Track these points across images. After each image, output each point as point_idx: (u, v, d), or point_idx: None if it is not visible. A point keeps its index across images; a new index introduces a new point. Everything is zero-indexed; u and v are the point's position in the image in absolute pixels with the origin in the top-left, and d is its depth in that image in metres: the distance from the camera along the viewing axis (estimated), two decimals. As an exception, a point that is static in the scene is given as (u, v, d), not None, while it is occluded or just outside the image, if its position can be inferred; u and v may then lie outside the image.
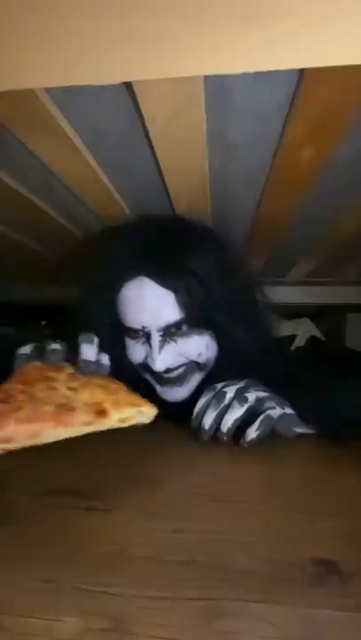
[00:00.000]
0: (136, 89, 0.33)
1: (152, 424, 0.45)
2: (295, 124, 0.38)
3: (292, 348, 0.80)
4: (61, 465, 0.49)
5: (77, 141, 0.42)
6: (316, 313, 1.31)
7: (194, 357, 0.57)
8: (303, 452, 0.51)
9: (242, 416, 0.50)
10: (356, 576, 0.30)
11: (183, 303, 0.55)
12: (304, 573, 0.30)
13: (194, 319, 0.56)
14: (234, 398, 0.51)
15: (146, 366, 0.57)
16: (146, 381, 0.60)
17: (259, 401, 0.52)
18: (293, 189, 0.52)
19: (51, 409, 0.36)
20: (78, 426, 0.37)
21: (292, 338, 0.82)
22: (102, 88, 0.30)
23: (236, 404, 0.51)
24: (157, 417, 0.45)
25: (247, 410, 0.51)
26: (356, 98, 0.34)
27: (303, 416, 0.54)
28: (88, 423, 0.37)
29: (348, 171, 0.48)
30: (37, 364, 0.44)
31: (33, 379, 0.40)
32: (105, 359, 0.48)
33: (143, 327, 0.55)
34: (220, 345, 0.60)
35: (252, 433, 0.50)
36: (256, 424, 0.50)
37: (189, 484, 0.44)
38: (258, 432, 0.50)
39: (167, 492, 0.42)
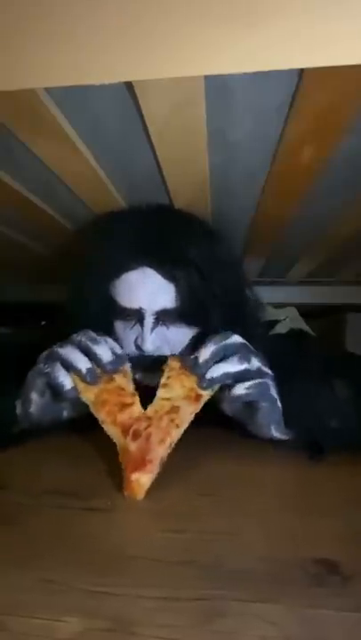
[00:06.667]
0: (136, 89, 0.33)
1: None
2: (295, 123, 0.38)
3: (272, 333, 0.76)
4: (61, 465, 0.49)
5: (77, 141, 0.42)
6: (316, 313, 1.31)
7: (176, 348, 0.57)
8: (303, 452, 0.51)
9: (235, 373, 0.45)
10: (357, 576, 0.30)
11: (182, 294, 0.55)
12: (304, 573, 0.30)
13: (189, 311, 0.56)
14: (238, 352, 0.47)
15: (134, 352, 0.57)
16: None
17: (260, 373, 0.47)
18: (293, 189, 0.52)
19: (166, 421, 0.43)
20: (189, 417, 0.44)
21: (273, 323, 0.78)
22: (102, 88, 0.30)
23: (237, 358, 0.46)
24: None
25: (244, 370, 0.46)
26: (355, 98, 0.34)
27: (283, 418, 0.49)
28: (193, 411, 0.44)
29: (347, 170, 0.48)
30: (101, 386, 0.46)
31: (116, 402, 0.45)
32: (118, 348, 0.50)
33: (140, 308, 0.55)
34: (200, 337, 0.58)
35: (240, 389, 0.45)
36: (250, 383, 0.45)
37: (189, 485, 0.44)
38: (247, 392, 0.45)
39: (167, 493, 0.42)
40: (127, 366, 0.50)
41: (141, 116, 0.37)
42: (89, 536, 0.35)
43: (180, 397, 0.45)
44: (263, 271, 0.99)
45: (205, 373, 0.45)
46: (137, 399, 0.46)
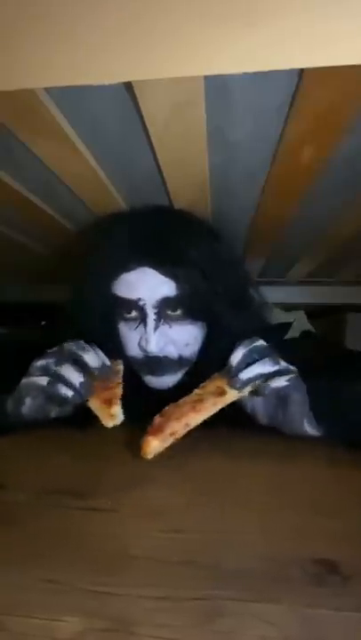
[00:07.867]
0: (135, 89, 0.33)
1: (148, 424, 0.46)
2: (295, 123, 0.37)
3: (288, 337, 0.77)
4: (61, 465, 0.49)
5: (77, 141, 0.42)
6: (316, 313, 1.31)
7: (181, 347, 0.57)
8: (303, 452, 0.51)
9: (268, 374, 0.49)
10: (357, 576, 0.30)
11: (183, 289, 0.55)
12: (304, 573, 0.30)
13: (190, 303, 0.56)
14: (268, 355, 0.50)
15: (139, 355, 0.57)
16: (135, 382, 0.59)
17: (288, 370, 0.50)
18: (293, 189, 0.52)
19: (188, 407, 0.48)
20: (211, 408, 0.48)
21: (286, 327, 0.80)
22: (102, 88, 0.30)
23: (269, 360, 0.49)
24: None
25: (276, 371, 0.49)
26: (355, 98, 0.34)
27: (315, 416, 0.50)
28: (216, 403, 0.48)
29: (347, 170, 0.48)
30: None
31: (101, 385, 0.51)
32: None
33: (139, 299, 0.55)
34: (206, 339, 0.60)
35: (281, 381, 0.49)
36: (288, 376, 0.49)
37: (190, 484, 0.44)
38: (287, 383, 0.48)
39: (167, 492, 0.42)
40: (120, 366, 0.55)
41: (141, 116, 0.37)
42: (89, 536, 0.35)
43: (208, 392, 0.50)
44: (263, 271, 0.99)
45: (238, 374, 0.49)
46: (120, 386, 0.50)
